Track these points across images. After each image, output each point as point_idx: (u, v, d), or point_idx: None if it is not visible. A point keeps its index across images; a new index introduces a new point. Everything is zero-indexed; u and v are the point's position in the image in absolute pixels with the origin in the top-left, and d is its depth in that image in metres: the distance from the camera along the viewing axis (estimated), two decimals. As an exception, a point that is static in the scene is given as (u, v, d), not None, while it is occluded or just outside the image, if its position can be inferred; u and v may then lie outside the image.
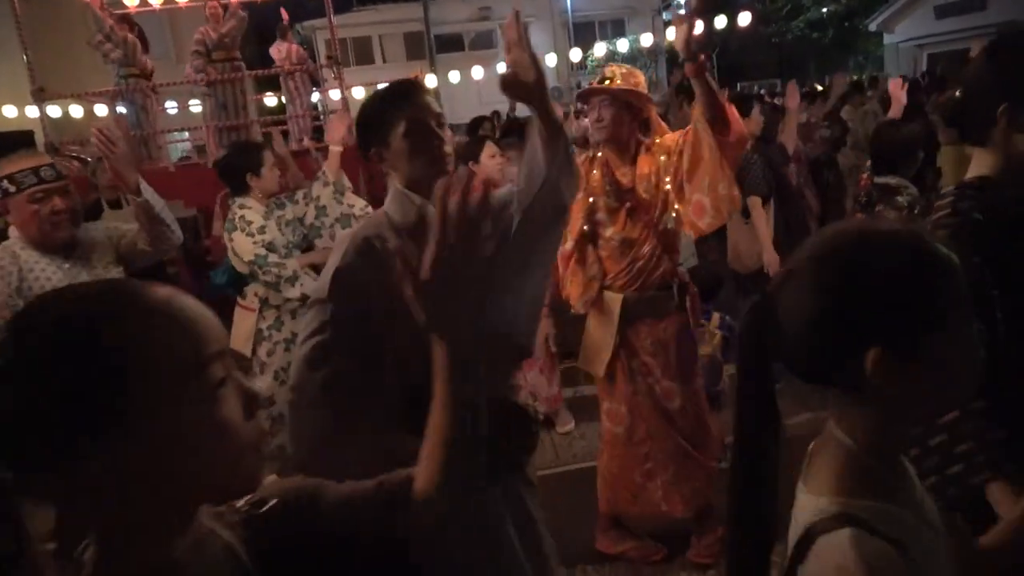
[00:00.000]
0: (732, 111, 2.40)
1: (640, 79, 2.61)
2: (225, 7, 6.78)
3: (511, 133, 4.36)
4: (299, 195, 3.40)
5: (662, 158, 2.58)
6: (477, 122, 5.88)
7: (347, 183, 3.36)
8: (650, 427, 2.71)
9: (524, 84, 1.54)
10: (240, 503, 0.80)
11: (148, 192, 2.29)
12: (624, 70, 2.60)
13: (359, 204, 3.33)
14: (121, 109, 6.98)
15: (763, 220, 3.90)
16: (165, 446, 0.66)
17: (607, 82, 2.57)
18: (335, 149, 3.33)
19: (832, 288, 0.84)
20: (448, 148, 1.60)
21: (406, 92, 1.62)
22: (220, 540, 0.76)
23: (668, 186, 2.57)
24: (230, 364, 0.74)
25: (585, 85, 3.36)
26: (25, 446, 0.62)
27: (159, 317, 0.69)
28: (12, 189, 2.18)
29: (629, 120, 2.60)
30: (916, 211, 3.06)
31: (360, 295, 1.51)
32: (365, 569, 0.80)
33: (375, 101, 1.66)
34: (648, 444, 2.73)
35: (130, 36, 6.83)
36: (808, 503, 0.88)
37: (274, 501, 0.81)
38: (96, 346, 0.64)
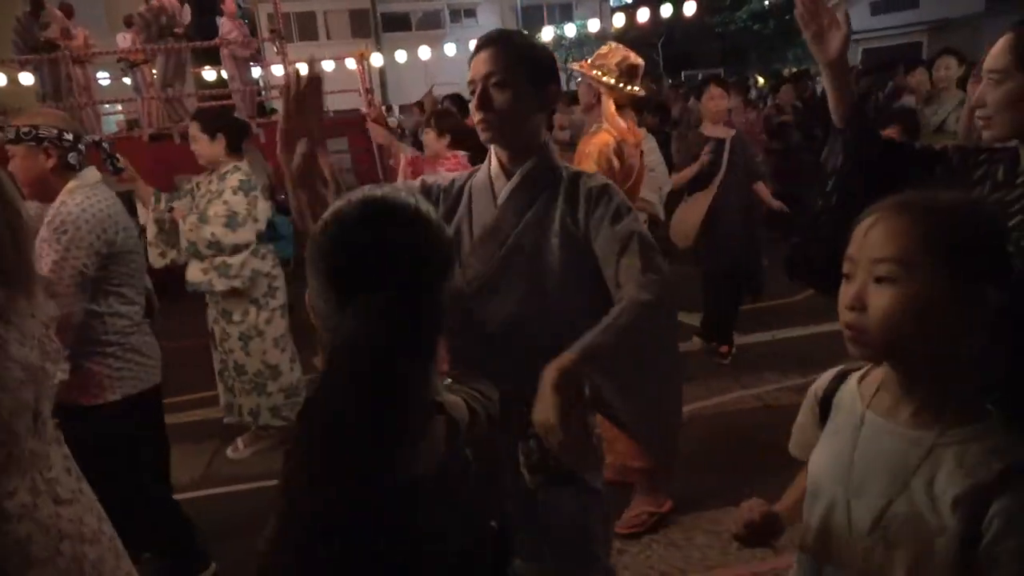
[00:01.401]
0: None
1: (608, 60, 2.60)
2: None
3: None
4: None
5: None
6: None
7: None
8: None
9: None
10: None
11: None
12: (605, 50, 2.65)
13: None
14: (29, 77, 6.66)
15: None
16: None
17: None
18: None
19: None
20: (480, 115, 1.40)
21: (473, 55, 1.43)
22: None
23: None
24: None
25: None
26: None
27: None
28: None
29: (593, 99, 2.70)
30: None
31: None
32: None
33: None
34: None
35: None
36: None
37: None
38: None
